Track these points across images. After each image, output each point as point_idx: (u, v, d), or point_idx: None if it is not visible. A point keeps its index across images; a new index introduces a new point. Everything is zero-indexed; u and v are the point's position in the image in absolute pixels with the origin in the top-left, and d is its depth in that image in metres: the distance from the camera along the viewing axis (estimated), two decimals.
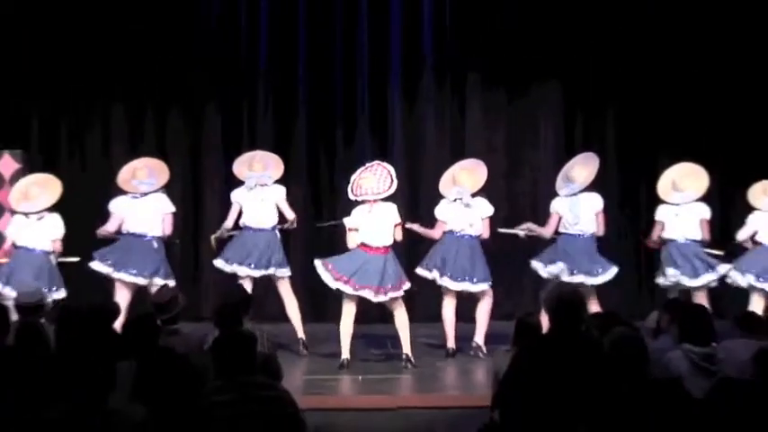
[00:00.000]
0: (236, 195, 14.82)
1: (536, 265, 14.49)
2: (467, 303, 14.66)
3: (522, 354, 8.37)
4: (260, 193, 14.72)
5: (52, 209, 14.61)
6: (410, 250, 15.36)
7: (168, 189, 15.04)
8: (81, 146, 17.73)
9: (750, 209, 14.59)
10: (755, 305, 13.80)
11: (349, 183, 14.30)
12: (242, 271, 14.47)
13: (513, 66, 17.60)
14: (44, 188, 14.71)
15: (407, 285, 13.97)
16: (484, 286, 14.44)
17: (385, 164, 14.46)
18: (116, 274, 14.37)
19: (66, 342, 8.37)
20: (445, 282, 14.37)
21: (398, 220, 13.91)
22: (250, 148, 17.16)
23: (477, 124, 17.73)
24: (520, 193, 16.18)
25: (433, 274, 14.43)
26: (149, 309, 10.53)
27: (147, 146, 17.47)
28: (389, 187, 13.98)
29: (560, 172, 14.93)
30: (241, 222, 14.71)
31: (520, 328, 9.89)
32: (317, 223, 15.15)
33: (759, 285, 14.03)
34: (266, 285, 14.88)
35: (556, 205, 14.63)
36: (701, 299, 13.87)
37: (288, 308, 14.62)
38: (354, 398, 12.70)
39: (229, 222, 14.71)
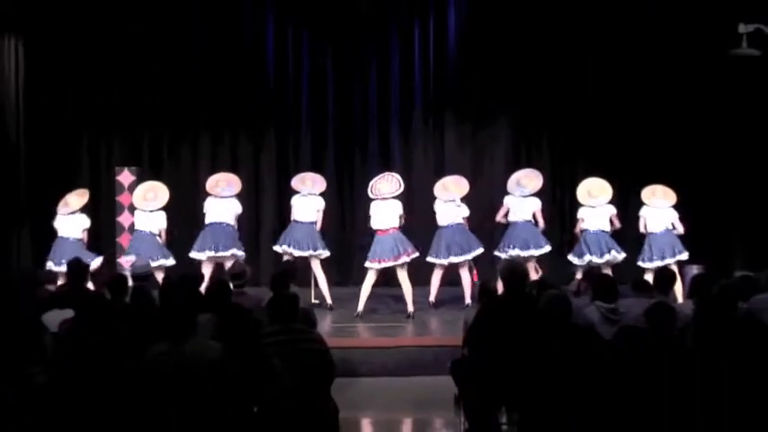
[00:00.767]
0: (293, 201, 14.90)
1: (498, 253, 14.45)
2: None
3: (483, 308, 8.34)
4: (309, 199, 14.77)
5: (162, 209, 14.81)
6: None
7: (238, 195, 15.04)
8: (177, 162, 17.63)
9: (641, 205, 14.56)
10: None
11: (368, 187, 14.58)
12: (288, 250, 14.48)
13: (476, 109, 17.45)
14: (156, 192, 14.91)
15: (415, 254, 14.01)
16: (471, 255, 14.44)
17: (395, 173, 14.83)
18: (202, 254, 14.41)
19: (166, 300, 8.33)
20: (452, 259, 14.31)
21: (401, 212, 14.12)
22: (294, 166, 17.19)
23: (452, 149, 17.62)
24: (480, 196, 16.00)
25: (440, 260, 14.40)
26: (225, 277, 10.56)
27: (224, 163, 17.44)
28: (397, 189, 14.24)
29: (512, 177, 14.94)
30: (293, 218, 14.74)
31: (482, 290, 9.86)
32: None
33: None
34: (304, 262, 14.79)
35: (507, 201, 14.64)
36: (606, 270, 13.86)
37: (319, 280, 14.60)
38: (366, 339, 12.65)
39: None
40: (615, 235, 14.57)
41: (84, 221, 14.65)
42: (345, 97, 17.57)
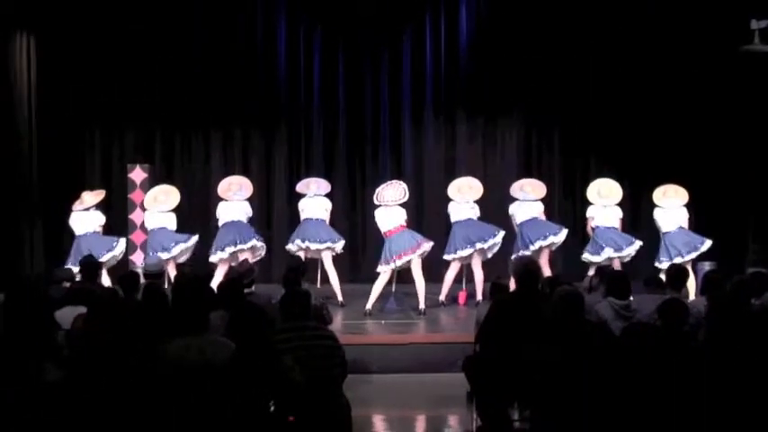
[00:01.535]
0: (301, 204, 14.99)
1: (521, 253, 14.43)
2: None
3: (495, 305, 8.35)
4: (317, 200, 14.89)
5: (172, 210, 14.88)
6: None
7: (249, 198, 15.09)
8: (189, 160, 17.68)
9: (653, 206, 14.55)
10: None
11: (375, 190, 14.58)
12: (301, 245, 14.53)
13: (488, 104, 17.49)
14: (168, 195, 14.95)
15: (431, 243, 14.03)
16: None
17: (401, 181, 14.75)
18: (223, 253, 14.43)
19: (178, 297, 8.34)
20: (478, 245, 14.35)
21: (405, 218, 14.18)
22: (306, 163, 17.25)
23: (463, 145, 17.64)
24: (492, 191, 15.96)
25: (463, 252, 14.41)
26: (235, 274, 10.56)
27: (235, 160, 17.51)
28: (402, 197, 14.23)
29: (516, 184, 15.03)
30: (303, 217, 14.80)
31: (494, 287, 9.88)
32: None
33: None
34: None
35: (513, 208, 14.77)
36: (616, 264, 13.89)
37: (330, 276, 14.61)
38: (379, 336, 12.65)
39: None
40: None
41: (99, 218, 14.69)
42: (357, 94, 17.58)
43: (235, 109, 17.41)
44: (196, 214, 16.90)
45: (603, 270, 10.63)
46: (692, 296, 11.57)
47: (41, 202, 16.27)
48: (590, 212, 14.67)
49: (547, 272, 13.42)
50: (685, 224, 14.32)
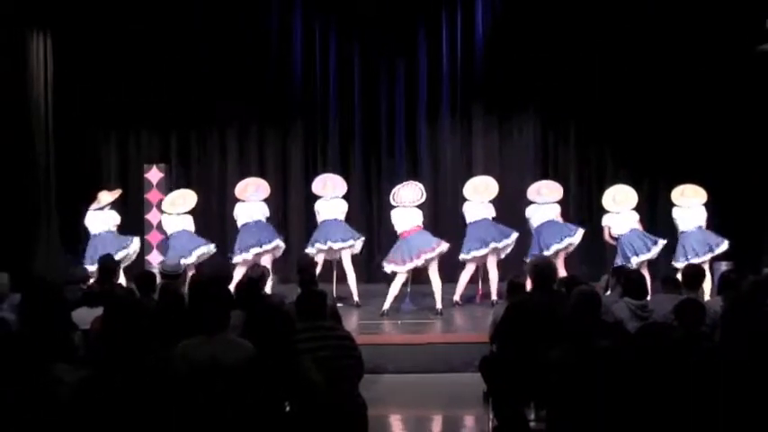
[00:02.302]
0: (317, 206, 14.98)
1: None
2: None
3: (512, 306, 8.35)
4: (333, 202, 14.86)
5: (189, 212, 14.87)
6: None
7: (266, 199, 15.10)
8: (205, 160, 17.73)
9: (671, 206, 14.52)
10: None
11: (390, 189, 14.70)
12: (322, 247, 14.51)
13: (504, 101, 17.49)
14: (185, 198, 14.96)
15: (445, 247, 14.02)
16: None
17: (417, 182, 14.82)
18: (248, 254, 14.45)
19: (194, 298, 8.36)
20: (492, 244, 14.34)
21: (422, 220, 14.23)
22: (322, 161, 17.28)
23: (479, 142, 17.64)
24: (509, 187, 15.95)
25: (477, 252, 14.41)
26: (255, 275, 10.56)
27: (251, 159, 17.56)
28: (419, 198, 14.31)
29: (533, 187, 15.00)
30: (320, 219, 14.80)
31: (510, 287, 9.87)
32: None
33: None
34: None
35: (529, 210, 14.74)
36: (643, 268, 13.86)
37: (348, 276, 14.60)
38: (394, 336, 12.65)
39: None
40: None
41: (114, 217, 14.70)
42: (372, 92, 17.59)
43: (250, 108, 17.47)
44: (213, 214, 16.98)
45: (620, 270, 10.61)
46: (707, 296, 11.55)
47: (57, 201, 16.33)
48: (606, 221, 14.52)
49: (562, 272, 13.42)
50: (704, 223, 14.26)
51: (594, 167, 17.26)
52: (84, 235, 14.75)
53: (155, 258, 15.12)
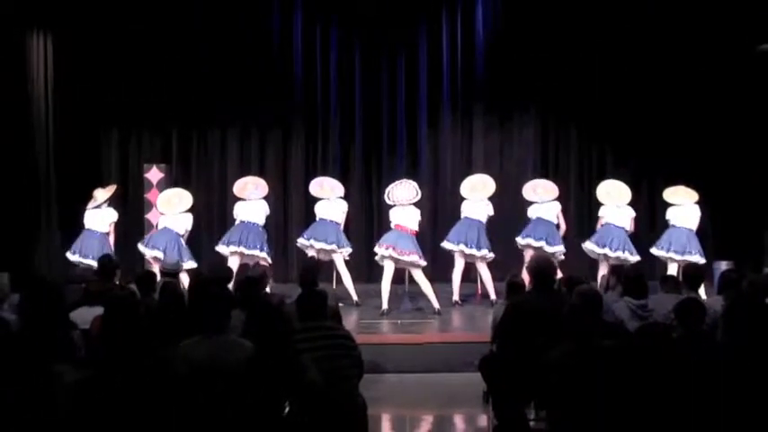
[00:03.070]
0: (318, 206, 14.98)
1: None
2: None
3: (512, 305, 8.34)
4: (333, 203, 14.88)
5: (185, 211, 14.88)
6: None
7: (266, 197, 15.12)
8: (205, 160, 17.72)
9: (667, 205, 14.56)
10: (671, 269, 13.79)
11: (384, 193, 14.77)
12: (318, 245, 14.51)
13: (504, 99, 17.50)
14: (181, 198, 14.98)
15: (423, 263, 14.12)
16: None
17: (411, 180, 14.84)
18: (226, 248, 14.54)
19: (194, 298, 8.36)
20: (461, 246, 14.38)
21: (419, 218, 14.40)
22: (323, 161, 17.26)
23: (480, 140, 17.64)
24: (508, 185, 15.99)
25: (452, 246, 14.47)
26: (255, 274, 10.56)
27: (252, 159, 17.57)
28: (415, 196, 14.41)
29: (528, 185, 15.11)
30: (319, 217, 14.79)
31: (510, 286, 9.87)
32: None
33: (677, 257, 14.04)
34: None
35: (531, 212, 14.85)
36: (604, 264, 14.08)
37: (343, 277, 14.66)
38: (394, 336, 12.64)
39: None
40: (633, 237, 14.65)
41: (111, 215, 14.71)
42: (373, 91, 17.59)
43: (251, 108, 17.45)
44: (213, 214, 17.00)
45: (620, 269, 10.61)
46: (703, 296, 11.56)
47: (58, 201, 16.33)
48: (602, 212, 14.68)
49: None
50: (696, 224, 14.30)
51: (595, 167, 17.26)
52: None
53: (152, 255, 15.07)
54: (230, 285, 10.20)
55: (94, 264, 13.51)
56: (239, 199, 14.96)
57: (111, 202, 14.84)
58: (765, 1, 14.82)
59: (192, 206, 14.98)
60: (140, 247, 14.61)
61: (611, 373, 6.34)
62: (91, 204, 14.70)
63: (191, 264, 14.41)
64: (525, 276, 11.26)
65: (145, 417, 5.79)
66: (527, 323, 7.74)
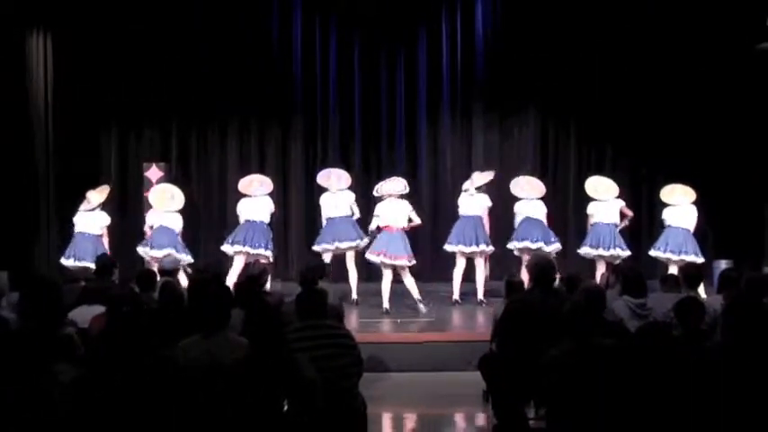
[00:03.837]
0: (322, 199, 14.93)
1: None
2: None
3: (512, 303, 8.34)
4: (339, 195, 14.81)
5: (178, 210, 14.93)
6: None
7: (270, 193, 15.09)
8: (205, 158, 17.71)
9: (663, 205, 14.57)
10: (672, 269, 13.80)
11: (373, 189, 14.77)
12: (329, 247, 14.52)
13: (504, 97, 17.49)
14: (173, 196, 15.04)
15: (413, 262, 14.11)
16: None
17: (400, 177, 14.88)
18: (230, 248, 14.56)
19: (194, 296, 8.35)
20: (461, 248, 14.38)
21: (410, 211, 14.23)
22: (322, 159, 17.24)
23: (479, 139, 17.63)
24: (508, 182, 16.00)
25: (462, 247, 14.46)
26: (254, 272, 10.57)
27: (252, 156, 17.55)
28: (403, 189, 14.36)
29: (515, 181, 15.16)
30: (326, 216, 14.76)
31: (508, 286, 9.87)
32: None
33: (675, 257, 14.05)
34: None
35: (518, 207, 14.87)
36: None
37: (350, 274, 14.65)
38: (393, 335, 12.64)
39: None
40: (627, 228, 14.67)
41: (104, 219, 14.72)
42: (373, 89, 17.59)
43: (251, 106, 17.45)
44: (213, 212, 16.99)
45: (619, 267, 10.61)
46: (702, 295, 11.56)
47: (56, 200, 16.32)
48: (590, 209, 14.75)
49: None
50: (693, 224, 14.30)
51: (594, 165, 17.24)
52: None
53: (153, 255, 15.06)
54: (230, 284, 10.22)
55: (91, 265, 13.57)
56: (241, 196, 14.94)
57: (105, 206, 14.86)
58: (765, 1, 14.80)
59: (188, 205, 14.98)
60: (143, 249, 14.55)
61: (611, 372, 6.33)
62: (84, 207, 14.69)
63: (188, 259, 14.50)
64: (524, 275, 11.29)
65: (144, 416, 5.78)
66: (527, 322, 7.74)
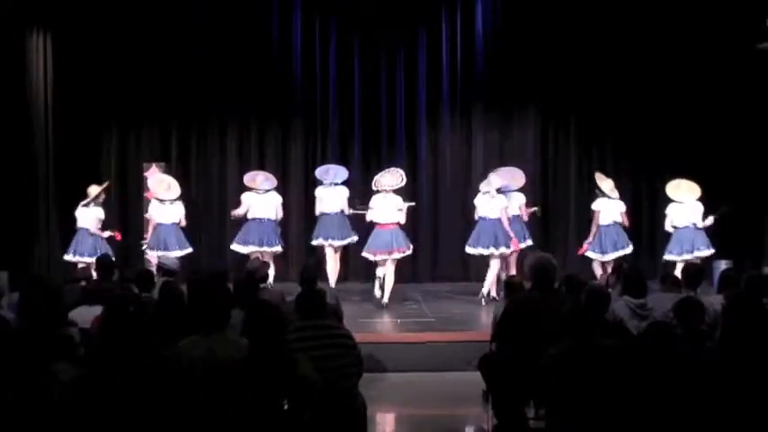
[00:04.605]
0: (318, 192, 15.00)
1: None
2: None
3: (512, 304, 8.33)
4: (334, 190, 14.87)
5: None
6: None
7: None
8: (205, 157, 17.69)
9: (668, 201, 14.57)
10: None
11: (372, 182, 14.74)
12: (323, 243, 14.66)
13: (504, 97, 17.49)
14: (169, 183, 15.19)
15: (409, 252, 14.12)
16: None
17: (398, 168, 14.93)
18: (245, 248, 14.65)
19: (194, 296, 8.35)
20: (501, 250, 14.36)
21: (402, 206, 14.25)
22: (322, 158, 17.21)
23: (479, 138, 17.62)
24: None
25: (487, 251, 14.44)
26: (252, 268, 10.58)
27: (251, 156, 17.55)
28: (399, 183, 14.45)
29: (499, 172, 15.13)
30: (320, 210, 14.83)
31: (507, 286, 9.87)
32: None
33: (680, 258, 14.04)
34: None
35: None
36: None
37: (331, 267, 14.76)
38: (394, 335, 12.64)
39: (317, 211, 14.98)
40: (630, 227, 14.73)
41: (99, 213, 14.77)
42: (373, 89, 17.57)
43: (250, 106, 17.45)
44: (213, 211, 16.98)
45: (620, 268, 10.61)
46: (702, 295, 11.57)
47: (57, 200, 16.32)
48: (596, 205, 14.73)
49: (512, 271, 13.99)
50: (699, 219, 14.29)
51: (595, 165, 17.23)
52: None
53: (153, 257, 15.10)
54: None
55: (90, 260, 13.60)
56: (245, 190, 15.05)
57: (104, 203, 14.93)
58: (765, 1, 14.80)
59: (188, 205, 15.01)
60: (153, 252, 14.52)
61: (611, 372, 6.33)
62: (83, 201, 14.76)
63: (188, 249, 14.66)
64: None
65: (144, 415, 5.78)
66: (527, 322, 7.74)
